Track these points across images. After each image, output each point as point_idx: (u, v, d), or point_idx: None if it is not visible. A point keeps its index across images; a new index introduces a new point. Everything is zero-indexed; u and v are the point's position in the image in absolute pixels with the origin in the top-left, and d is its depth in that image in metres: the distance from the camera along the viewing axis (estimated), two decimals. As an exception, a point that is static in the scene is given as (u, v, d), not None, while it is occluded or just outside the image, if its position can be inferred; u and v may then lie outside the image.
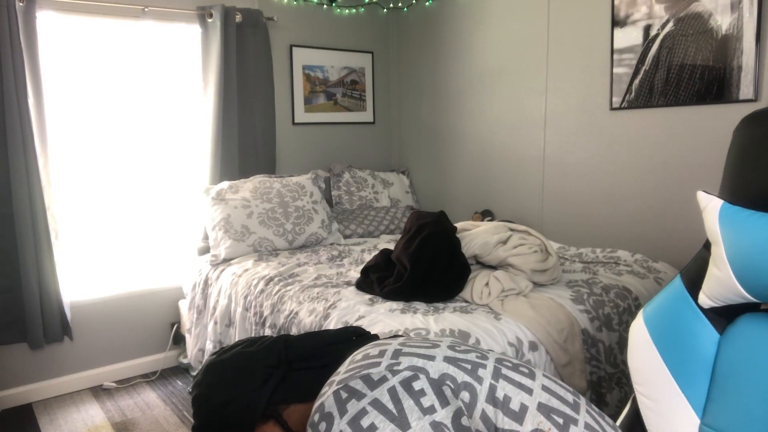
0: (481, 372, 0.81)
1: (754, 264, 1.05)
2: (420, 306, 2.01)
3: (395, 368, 0.78)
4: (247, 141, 3.46)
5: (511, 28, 3.19)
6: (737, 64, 2.26)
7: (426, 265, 2.09)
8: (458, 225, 2.38)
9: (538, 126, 3.11)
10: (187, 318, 3.09)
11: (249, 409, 0.95)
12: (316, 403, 0.80)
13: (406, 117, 4.03)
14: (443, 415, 0.73)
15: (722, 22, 2.29)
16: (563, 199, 3.03)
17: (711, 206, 1.16)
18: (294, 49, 3.64)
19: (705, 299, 1.14)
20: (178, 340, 3.39)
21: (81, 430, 2.70)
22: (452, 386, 0.78)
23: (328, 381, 0.84)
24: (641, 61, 2.58)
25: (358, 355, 0.86)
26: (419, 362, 0.80)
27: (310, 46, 3.71)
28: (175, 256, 3.39)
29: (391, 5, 3.97)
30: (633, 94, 2.63)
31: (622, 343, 2.04)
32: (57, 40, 2.94)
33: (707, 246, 1.19)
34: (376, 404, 0.73)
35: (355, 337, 1.05)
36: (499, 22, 3.26)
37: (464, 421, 0.75)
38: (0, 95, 2.69)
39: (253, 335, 2.46)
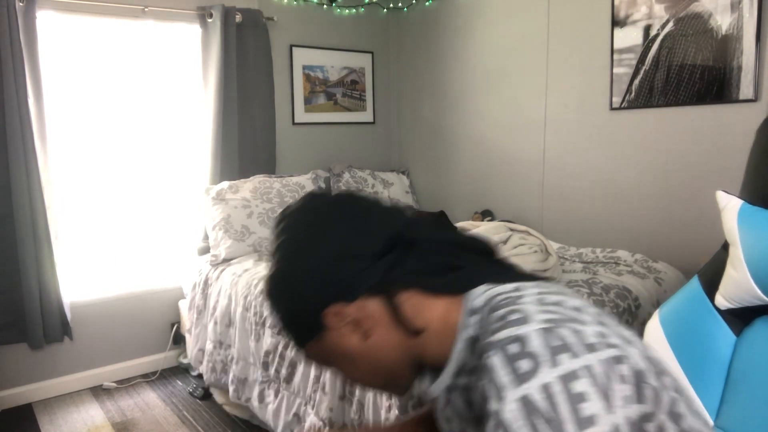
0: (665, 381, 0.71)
1: (771, 266, 1.03)
2: (420, 306, 2.00)
3: (606, 340, 0.67)
4: (247, 141, 3.46)
5: (511, 28, 3.19)
6: (737, 64, 2.26)
7: (426, 264, 2.08)
8: (458, 225, 2.38)
9: (538, 126, 3.10)
10: (187, 318, 3.09)
11: (363, 273, 0.77)
12: (509, 332, 0.67)
13: (406, 117, 4.03)
14: (638, 410, 0.64)
15: (722, 22, 2.29)
16: (563, 199, 3.03)
17: (730, 206, 1.13)
18: (294, 49, 3.64)
19: (722, 300, 1.13)
20: (178, 340, 3.39)
21: (81, 430, 2.70)
22: (651, 385, 0.68)
23: (513, 309, 0.69)
24: (641, 61, 2.58)
25: (549, 295, 0.72)
26: (622, 344, 0.68)
27: (310, 46, 3.71)
28: (175, 256, 3.39)
29: (391, 5, 3.97)
30: (633, 94, 2.63)
31: (622, 343, 2.04)
32: (57, 40, 2.94)
33: (725, 247, 1.16)
34: (592, 373, 0.63)
35: (487, 256, 0.88)
36: (499, 22, 3.25)
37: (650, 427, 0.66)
38: (0, 95, 2.69)
39: (253, 335, 2.46)
